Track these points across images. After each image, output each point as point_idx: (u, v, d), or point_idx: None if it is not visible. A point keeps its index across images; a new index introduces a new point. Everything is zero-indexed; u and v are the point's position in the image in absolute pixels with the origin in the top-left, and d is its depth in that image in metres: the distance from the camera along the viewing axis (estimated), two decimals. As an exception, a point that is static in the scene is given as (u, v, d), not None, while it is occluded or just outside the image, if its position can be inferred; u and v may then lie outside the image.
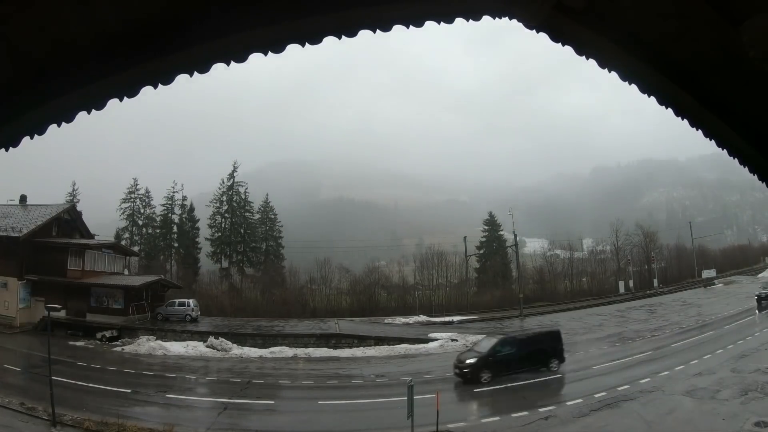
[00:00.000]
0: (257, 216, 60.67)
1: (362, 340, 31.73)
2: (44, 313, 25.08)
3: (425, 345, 30.46)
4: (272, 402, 18.92)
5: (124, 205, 57.89)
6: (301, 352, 29.03)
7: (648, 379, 18.74)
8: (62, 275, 35.05)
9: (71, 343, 29.89)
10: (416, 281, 59.90)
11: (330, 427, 16.39)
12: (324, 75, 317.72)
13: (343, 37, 2.12)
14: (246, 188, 59.60)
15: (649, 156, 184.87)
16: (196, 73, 2.05)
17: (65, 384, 18.49)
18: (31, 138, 1.95)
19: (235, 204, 58.71)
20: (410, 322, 43.51)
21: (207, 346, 29.70)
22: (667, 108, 2.55)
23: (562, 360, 20.91)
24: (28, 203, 38.84)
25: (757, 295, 34.39)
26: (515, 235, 52.81)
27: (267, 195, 62.33)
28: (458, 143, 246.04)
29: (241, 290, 53.99)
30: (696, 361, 21.10)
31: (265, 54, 2.09)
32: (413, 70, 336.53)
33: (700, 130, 2.62)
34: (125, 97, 2.01)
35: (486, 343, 21.73)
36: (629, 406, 16.02)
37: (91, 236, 42.16)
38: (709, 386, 17.29)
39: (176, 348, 29.41)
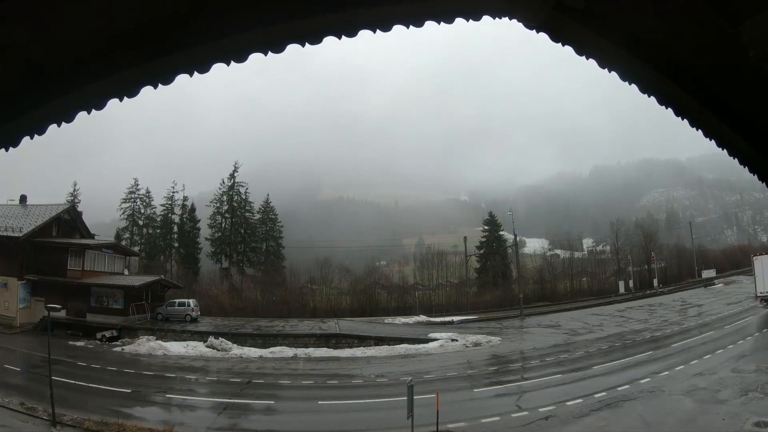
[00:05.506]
0: (257, 216, 60.65)
1: (362, 340, 31.75)
2: (44, 313, 25.05)
3: (425, 345, 30.45)
4: (272, 402, 18.90)
5: (124, 205, 58.06)
6: (301, 352, 29.01)
7: (648, 379, 18.71)
8: (62, 275, 35.07)
9: (71, 343, 29.90)
10: (416, 281, 60.00)
11: (330, 427, 16.38)
12: (325, 76, 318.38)
13: (343, 37, 2.12)
14: (246, 188, 59.69)
15: (649, 156, 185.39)
16: (196, 73, 2.05)
17: (65, 384, 18.49)
18: (31, 138, 1.95)
19: (235, 204, 58.68)
20: (410, 322, 43.51)
21: (207, 346, 29.70)
22: (667, 108, 2.54)
23: None
24: (28, 203, 38.86)
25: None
26: (515, 235, 52.78)
27: (267, 195, 62.41)
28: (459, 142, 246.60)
29: (241, 290, 53.94)
30: (696, 361, 21.07)
31: (265, 54, 2.09)
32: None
33: (700, 130, 2.62)
34: (125, 97, 2.01)
35: None
36: (629, 406, 16.00)
37: (91, 236, 42.14)
38: (710, 386, 17.27)
39: (176, 348, 29.40)
